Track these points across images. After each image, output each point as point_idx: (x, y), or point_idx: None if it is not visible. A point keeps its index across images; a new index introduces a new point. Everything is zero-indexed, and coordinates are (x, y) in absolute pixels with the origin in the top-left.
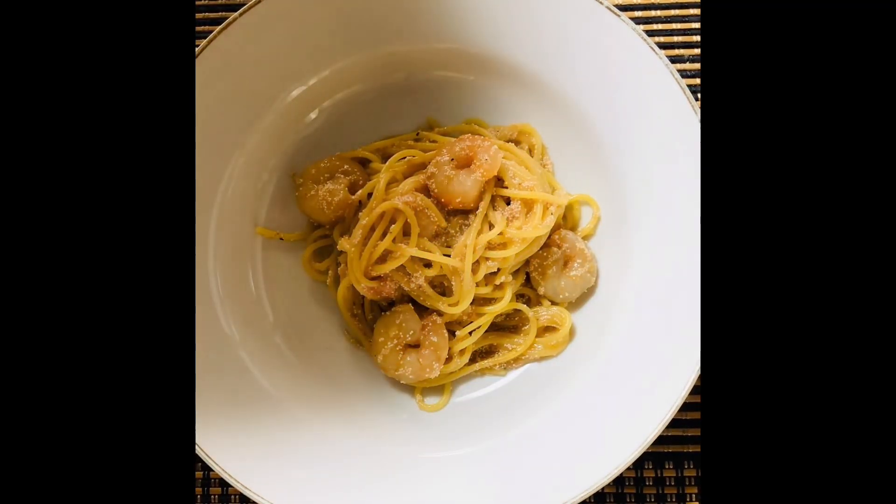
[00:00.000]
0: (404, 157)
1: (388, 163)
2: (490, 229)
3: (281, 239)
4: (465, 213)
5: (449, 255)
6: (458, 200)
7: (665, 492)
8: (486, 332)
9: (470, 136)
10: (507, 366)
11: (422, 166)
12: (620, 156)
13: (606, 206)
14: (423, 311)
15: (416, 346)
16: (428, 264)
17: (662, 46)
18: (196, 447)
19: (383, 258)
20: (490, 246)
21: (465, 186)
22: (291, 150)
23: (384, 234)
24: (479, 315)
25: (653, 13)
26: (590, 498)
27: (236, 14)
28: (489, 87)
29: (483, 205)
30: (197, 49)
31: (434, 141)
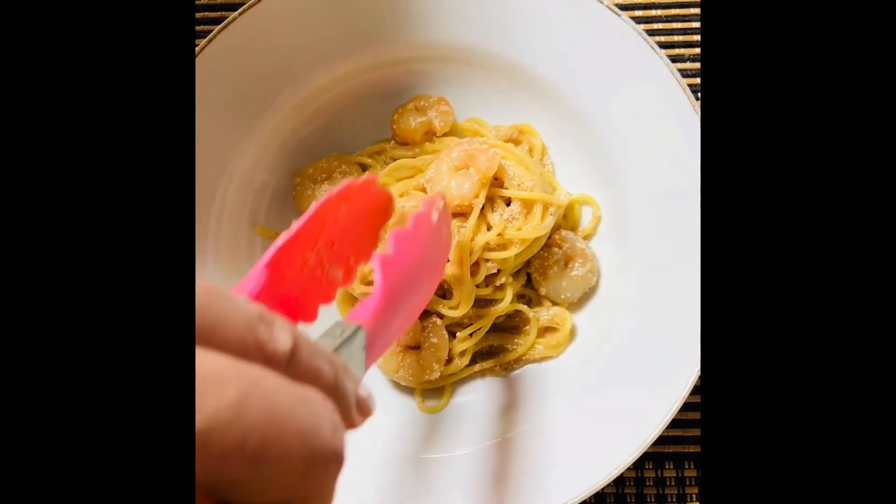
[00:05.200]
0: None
1: (386, 170)
2: (489, 231)
3: None
4: (465, 215)
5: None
6: (455, 203)
7: (665, 492)
8: (487, 333)
9: (468, 139)
10: (508, 366)
11: (419, 171)
12: (620, 155)
13: (607, 205)
14: (422, 312)
15: (416, 347)
16: None
17: (663, 46)
18: None
19: None
20: (490, 247)
21: (462, 189)
22: (291, 149)
23: None
24: (480, 316)
25: (653, 13)
26: (590, 498)
27: (236, 14)
28: (490, 86)
29: (477, 203)
30: (197, 49)
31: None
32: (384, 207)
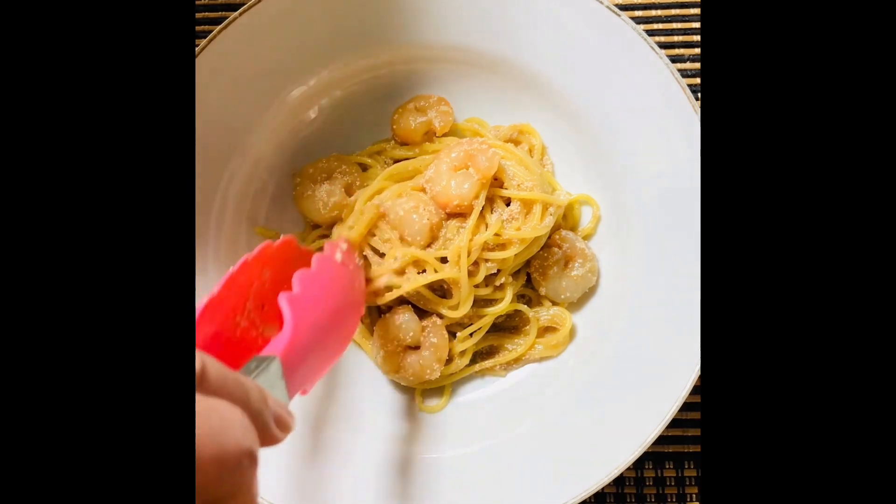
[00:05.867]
0: (398, 160)
1: (385, 172)
2: (486, 230)
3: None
4: (465, 215)
5: (446, 259)
6: (455, 203)
7: (665, 492)
8: (487, 332)
9: (468, 139)
10: (508, 366)
11: (419, 172)
12: (620, 155)
13: (606, 205)
14: (422, 312)
15: (416, 347)
16: (424, 269)
17: (663, 46)
18: None
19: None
20: (489, 247)
21: (462, 189)
22: (291, 150)
23: None
24: (480, 316)
25: (653, 13)
26: (590, 498)
27: (236, 14)
28: (489, 86)
29: (477, 204)
30: (197, 49)
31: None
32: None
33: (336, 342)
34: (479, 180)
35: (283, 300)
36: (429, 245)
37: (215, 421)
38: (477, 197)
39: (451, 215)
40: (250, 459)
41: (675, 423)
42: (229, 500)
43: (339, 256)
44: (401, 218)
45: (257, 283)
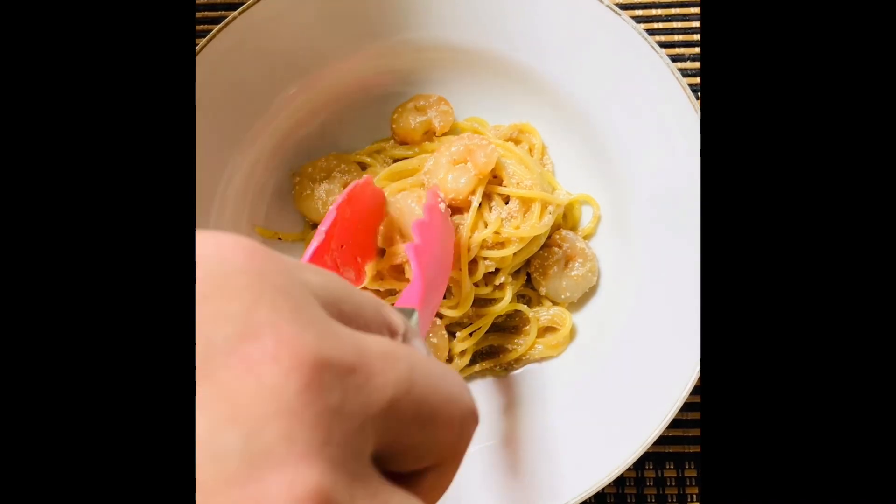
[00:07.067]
0: (398, 160)
1: (384, 172)
2: (485, 228)
3: (279, 239)
4: (461, 210)
5: None
6: (450, 196)
7: (666, 492)
8: (487, 333)
9: (469, 134)
10: (508, 366)
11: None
12: (620, 155)
13: (607, 205)
14: None
15: None
16: None
17: (663, 45)
18: None
19: None
20: (488, 245)
21: (458, 183)
22: (291, 149)
23: None
24: (480, 316)
25: (653, 12)
26: (590, 498)
27: (235, 13)
28: (490, 85)
29: (475, 199)
30: (197, 48)
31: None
32: (380, 206)
33: (441, 291)
34: (475, 175)
35: (409, 251)
36: None
37: (453, 384)
38: (473, 192)
39: (450, 209)
40: (476, 422)
41: (675, 424)
42: (448, 464)
43: (442, 207)
44: (401, 211)
45: (341, 222)
